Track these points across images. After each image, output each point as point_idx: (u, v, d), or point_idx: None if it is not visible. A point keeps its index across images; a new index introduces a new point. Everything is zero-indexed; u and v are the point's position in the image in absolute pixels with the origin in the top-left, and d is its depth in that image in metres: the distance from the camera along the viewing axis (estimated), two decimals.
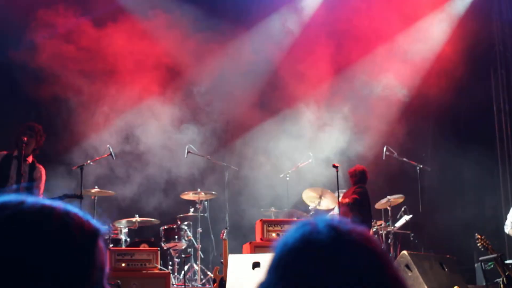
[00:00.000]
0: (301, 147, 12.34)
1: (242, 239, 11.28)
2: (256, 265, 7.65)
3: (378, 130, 13.19)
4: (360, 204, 10.56)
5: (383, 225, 11.22)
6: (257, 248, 9.82)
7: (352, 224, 1.50)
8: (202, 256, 10.86)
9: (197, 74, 12.96)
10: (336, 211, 11.46)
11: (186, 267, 10.75)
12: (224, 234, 9.70)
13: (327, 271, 1.40)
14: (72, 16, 12.12)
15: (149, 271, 9.71)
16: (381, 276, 1.43)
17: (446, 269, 9.34)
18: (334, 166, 10.20)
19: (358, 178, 10.88)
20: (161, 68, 12.60)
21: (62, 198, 8.74)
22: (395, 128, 13.10)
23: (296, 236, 1.47)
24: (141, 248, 10.26)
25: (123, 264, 9.71)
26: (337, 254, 1.42)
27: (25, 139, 8.47)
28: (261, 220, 10.28)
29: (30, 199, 1.42)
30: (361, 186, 10.80)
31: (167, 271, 10.11)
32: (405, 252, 9.38)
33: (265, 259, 7.64)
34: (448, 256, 9.84)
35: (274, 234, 10.08)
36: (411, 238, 11.31)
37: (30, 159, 8.73)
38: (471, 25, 13.22)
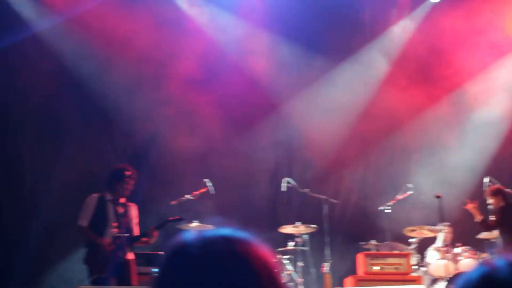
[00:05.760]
0: (400, 178, 12.09)
1: (342, 273, 11.11)
2: None
3: (479, 161, 12.88)
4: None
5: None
6: (360, 282, 9.63)
7: None
8: None
9: (292, 107, 12.94)
10: (438, 243, 11.17)
11: None
12: (325, 268, 9.56)
13: None
14: None
15: None
16: None
17: None
18: (437, 197, 9.96)
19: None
20: (255, 100, 12.68)
21: (164, 223, 8.91)
22: (498, 159, 12.77)
23: (477, 275, 1.46)
24: None
25: None
26: None
27: (129, 185, 8.79)
28: (363, 253, 10.09)
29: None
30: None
31: None
32: None
33: None
34: None
35: (377, 268, 9.87)
36: None
37: (123, 199, 8.98)
38: None
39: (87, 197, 9.06)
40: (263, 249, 1.50)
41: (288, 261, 10.67)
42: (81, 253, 9.07)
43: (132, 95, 12.34)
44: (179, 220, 9.34)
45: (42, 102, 12.16)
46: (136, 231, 9.04)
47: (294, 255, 10.85)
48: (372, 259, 9.95)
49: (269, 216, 12.60)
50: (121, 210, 8.80)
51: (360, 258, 10.10)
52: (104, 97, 12.19)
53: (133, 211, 9.08)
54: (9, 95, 11.93)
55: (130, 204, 9.10)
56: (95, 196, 9.02)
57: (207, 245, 1.47)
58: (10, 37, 11.76)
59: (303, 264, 10.69)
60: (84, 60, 12.20)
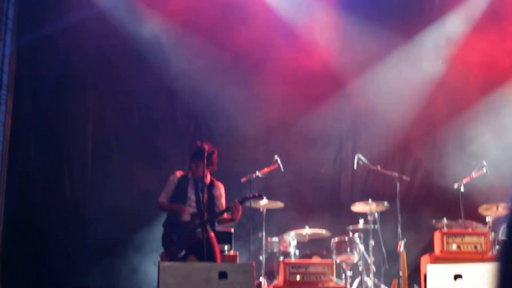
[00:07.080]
0: (474, 155, 11.72)
1: (416, 252, 10.90)
2: (457, 277, 7.16)
3: None
4: None
5: None
6: (438, 260, 9.39)
7: None
8: (375, 270, 10.45)
9: (357, 83, 12.65)
10: None
11: (356, 281, 10.41)
12: (401, 246, 9.33)
13: None
14: None
15: (324, 284, 9.49)
16: None
17: None
18: None
19: None
20: (319, 76, 12.44)
21: (243, 200, 8.68)
22: None
23: None
24: (316, 261, 10.02)
25: (298, 277, 9.53)
26: None
27: (209, 162, 8.57)
28: (440, 231, 9.83)
29: None
30: None
31: (343, 284, 9.85)
32: None
33: (465, 270, 7.19)
34: None
35: (454, 246, 9.60)
36: None
37: (208, 178, 8.80)
38: None
39: (170, 174, 8.96)
40: None
41: (359, 240, 10.48)
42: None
43: (207, 76, 12.19)
44: (259, 197, 9.12)
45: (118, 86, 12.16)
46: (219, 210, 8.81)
47: (365, 234, 10.65)
48: (449, 238, 9.68)
49: (336, 193, 12.40)
50: (203, 188, 8.57)
51: (437, 236, 9.83)
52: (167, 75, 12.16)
53: (218, 190, 8.88)
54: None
55: (217, 183, 8.92)
56: (178, 173, 8.90)
57: None
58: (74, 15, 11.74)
59: (373, 243, 10.46)
60: (160, 45, 12.17)
